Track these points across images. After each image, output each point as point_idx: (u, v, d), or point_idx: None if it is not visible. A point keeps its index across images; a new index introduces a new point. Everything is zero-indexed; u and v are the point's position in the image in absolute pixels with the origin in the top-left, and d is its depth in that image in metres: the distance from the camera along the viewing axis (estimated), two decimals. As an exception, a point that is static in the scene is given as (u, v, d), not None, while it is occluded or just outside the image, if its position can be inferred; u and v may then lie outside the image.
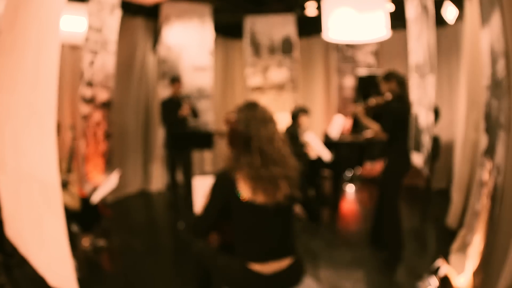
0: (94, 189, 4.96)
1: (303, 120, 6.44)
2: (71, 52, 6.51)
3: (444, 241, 4.81)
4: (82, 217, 4.89)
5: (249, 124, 2.38)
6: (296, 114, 6.45)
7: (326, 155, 5.83)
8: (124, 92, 7.62)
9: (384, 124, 4.46)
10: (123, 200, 7.40)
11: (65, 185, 4.66)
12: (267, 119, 2.43)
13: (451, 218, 5.48)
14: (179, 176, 6.78)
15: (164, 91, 7.65)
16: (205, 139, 6.68)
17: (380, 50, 8.78)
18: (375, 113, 4.69)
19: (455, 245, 4.29)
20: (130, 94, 7.79)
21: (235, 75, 10.07)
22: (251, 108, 2.47)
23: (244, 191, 2.32)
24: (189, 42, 8.03)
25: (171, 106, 6.69)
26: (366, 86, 7.05)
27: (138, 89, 7.99)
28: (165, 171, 7.75)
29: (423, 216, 6.55)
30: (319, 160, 6.20)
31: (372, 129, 4.60)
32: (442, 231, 5.55)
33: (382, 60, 8.79)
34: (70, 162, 4.95)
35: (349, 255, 4.82)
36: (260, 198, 2.32)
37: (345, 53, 9.09)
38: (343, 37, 6.25)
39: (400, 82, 4.52)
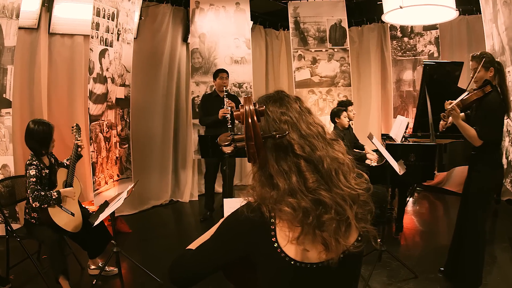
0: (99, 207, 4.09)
1: (349, 116, 5.88)
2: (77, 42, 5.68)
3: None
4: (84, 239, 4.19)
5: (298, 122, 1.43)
6: (340, 111, 5.78)
7: (397, 166, 4.49)
8: (150, 89, 6.79)
9: (483, 127, 3.61)
10: (149, 212, 6.68)
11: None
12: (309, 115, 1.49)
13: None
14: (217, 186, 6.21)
15: (197, 88, 6.84)
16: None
17: (443, 38, 7.71)
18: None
19: None
20: (157, 91, 6.99)
21: (278, 68, 8.99)
22: (282, 96, 1.50)
23: (289, 247, 1.33)
24: (224, 31, 7.14)
25: (214, 104, 5.97)
26: (434, 77, 5.94)
27: (167, 86, 7.15)
28: (200, 180, 7.26)
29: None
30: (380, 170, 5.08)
31: (468, 135, 3.69)
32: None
33: (444, 50, 7.73)
34: (71, 173, 4.06)
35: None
36: (318, 255, 1.33)
37: (403, 42, 8.02)
38: (404, 20, 5.78)
39: (498, 69, 3.65)
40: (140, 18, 6.52)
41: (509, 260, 4.67)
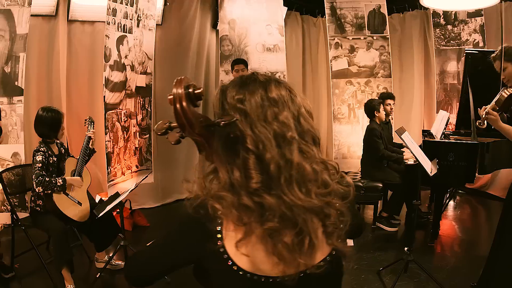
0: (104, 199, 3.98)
1: (386, 109, 5.57)
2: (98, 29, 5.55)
3: None
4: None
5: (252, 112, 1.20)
6: (378, 103, 5.48)
7: (428, 165, 4.16)
8: (176, 77, 6.51)
9: None
10: (172, 206, 6.47)
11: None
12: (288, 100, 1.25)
13: None
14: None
15: (226, 77, 6.65)
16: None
17: (489, 26, 7.13)
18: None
19: None
20: (184, 81, 6.69)
21: (316, 57, 8.59)
22: (249, 80, 1.27)
23: (240, 256, 1.18)
24: (256, 17, 6.85)
25: None
26: (478, 68, 5.52)
27: (195, 75, 6.91)
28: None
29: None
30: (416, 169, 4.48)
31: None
32: None
33: (491, 39, 7.13)
34: (81, 163, 3.96)
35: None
36: (272, 268, 1.18)
37: (447, 29, 7.50)
38: (444, 4, 5.57)
39: None
40: (166, 4, 6.32)
41: None
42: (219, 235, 1.18)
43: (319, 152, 1.24)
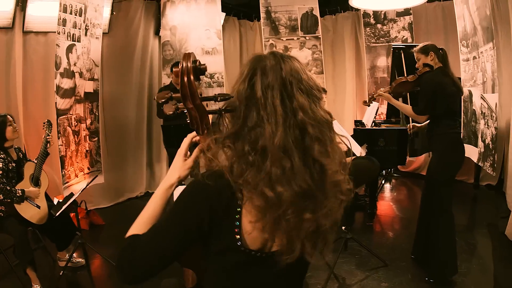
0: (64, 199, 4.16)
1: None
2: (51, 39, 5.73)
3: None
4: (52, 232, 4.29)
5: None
6: None
7: (358, 151, 4.48)
8: (123, 82, 6.85)
9: (419, 103, 3.83)
10: (125, 205, 6.74)
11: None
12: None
13: (510, 229, 4.35)
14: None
15: (168, 80, 6.89)
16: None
17: (417, 24, 7.74)
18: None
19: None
20: (130, 84, 7.04)
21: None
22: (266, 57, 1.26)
23: (248, 227, 1.17)
24: (196, 23, 7.13)
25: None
26: (404, 61, 5.95)
27: (140, 79, 7.20)
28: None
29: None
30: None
31: (405, 112, 4.01)
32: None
33: (419, 35, 7.71)
34: (39, 167, 4.14)
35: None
36: (278, 246, 1.20)
37: (377, 28, 8.06)
38: (373, 4, 5.79)
39: (439, 55, 3.83)
40: (112, 13, 6.55)
41: (487, 248, 4.60)
42: (238, 215, 1.16)
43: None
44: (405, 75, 4.21)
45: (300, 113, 1.14)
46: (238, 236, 1.16)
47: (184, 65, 1.20)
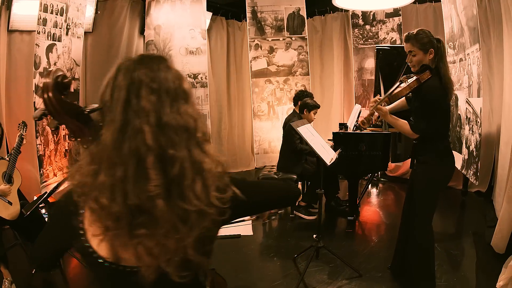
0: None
1: (312, 118, 5.62)
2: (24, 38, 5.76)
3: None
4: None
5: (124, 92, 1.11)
6: (313, 107, 5.60)
7: (328, 156, 4.19)
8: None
9: (419, 119, 3.21)
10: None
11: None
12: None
13: (496, 240, 4.25)
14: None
15: None
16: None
17: (407, 25, 7.66)
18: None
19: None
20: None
21: (240, 59, 8.96)
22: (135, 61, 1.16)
23: (97, 243, 1.15)
24: (180, 22, 7.17)
25: None
26: (388, 62, 5.85)
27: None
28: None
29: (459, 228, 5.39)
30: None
31: (402, 131, 3.33)
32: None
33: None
34: (11, 164, 4.17)
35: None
36: (132, 259, 1.14)
37: (365, 29, 8.03)
38: (357, 4, 5.77)
39: (438, 51, 3.20)
40: (97, 12, 6.58)
41: (471, 259, 4.34)
42: (81, 231, 1.14)
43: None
44: (400, 75, 3.57)
45: (143, 117, 1.07)
46: (91, 250, 1.14)
47: (44, 82, 1.13)
